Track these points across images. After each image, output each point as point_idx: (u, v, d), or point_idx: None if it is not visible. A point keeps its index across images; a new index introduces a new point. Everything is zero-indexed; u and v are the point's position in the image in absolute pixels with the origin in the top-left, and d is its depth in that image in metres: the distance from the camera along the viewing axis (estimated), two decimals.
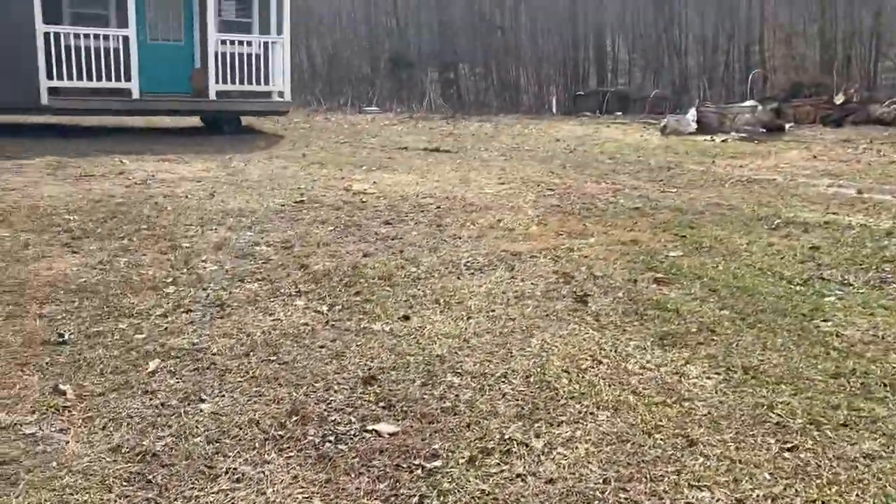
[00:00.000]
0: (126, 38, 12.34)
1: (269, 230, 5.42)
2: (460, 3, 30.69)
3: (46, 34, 11.66)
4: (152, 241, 5.09)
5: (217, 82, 12.95)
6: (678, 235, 5.29)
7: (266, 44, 13.86)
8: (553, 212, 6.14)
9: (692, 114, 14.88)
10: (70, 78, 11.92)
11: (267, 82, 13.70)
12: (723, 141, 12.60)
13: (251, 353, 3.16)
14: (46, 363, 3.06)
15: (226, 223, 5.61)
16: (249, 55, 13.38)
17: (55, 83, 11.85)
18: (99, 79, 12.12)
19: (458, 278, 4.24)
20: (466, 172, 8.50)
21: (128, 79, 12.32)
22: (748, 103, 16.12)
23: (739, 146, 11.95)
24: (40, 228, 5.38)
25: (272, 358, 3.11)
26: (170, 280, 4.20)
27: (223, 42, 13.08)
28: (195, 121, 14.61)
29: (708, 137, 13.02)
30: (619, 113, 20.85)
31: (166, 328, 3.45)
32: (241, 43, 13.30)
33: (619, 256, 4.69)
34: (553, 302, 3.80)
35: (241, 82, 13.16)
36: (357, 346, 3.24)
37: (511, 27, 30.07)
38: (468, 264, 4.51)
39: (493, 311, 3.67)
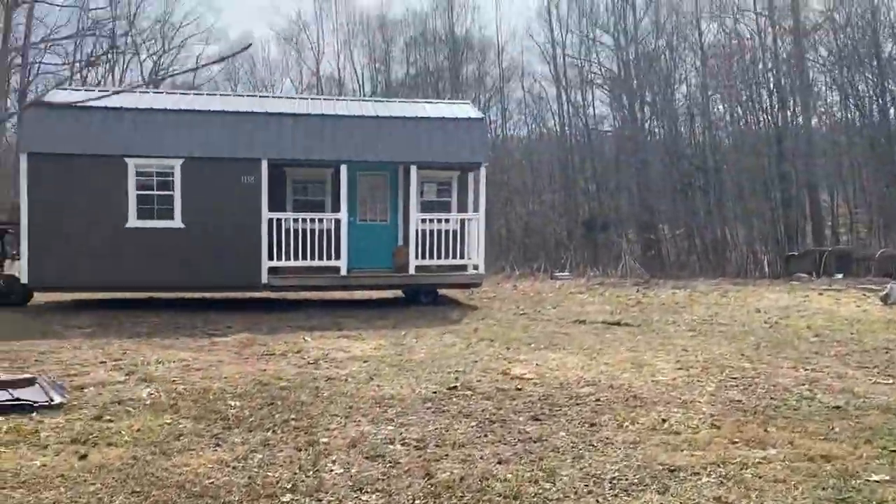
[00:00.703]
0: (338, 221, 13.41)
1: (410, 423, 5.17)
2: (659, 165, 30.58)
3: (270, 220, 12.97)
4: (294, 434, 5.01)
5: (417, 258, 13.64)
6: (886, 450, 4.32)
7: (463, 221, 14.52)
8: (731, 410, 5.34)
9: None
10: (287, 258, 13.11)
11: (462, 256, 14.27)
12: None
13: None
14: None
15: (371, 414, 5.45)
16: (447, 231, 13.98)
17: (274, 263, 13.06)
18: (312, 258, 13.20)
19: (597, 501, 3.66)
20: (642, 353, 7.86)
21: (337, 257, 13.30)
22: None
23: None
24: (200, 415, 5.53)
25: None
26: (290, 486, 4.02)
27: (423, 220, 13.83)
28: (396, 290, 15.13)
29: None
30: (840, 275, 18.88)
31: None
32: (440, 220, 14.01)
33: (802, 479, 3.86)
34: None
35: (439, 257, 13.79)
36: None
37: (713, 186, 29.26)
38: (613, 481, 3.92)
39: None
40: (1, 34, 41.44)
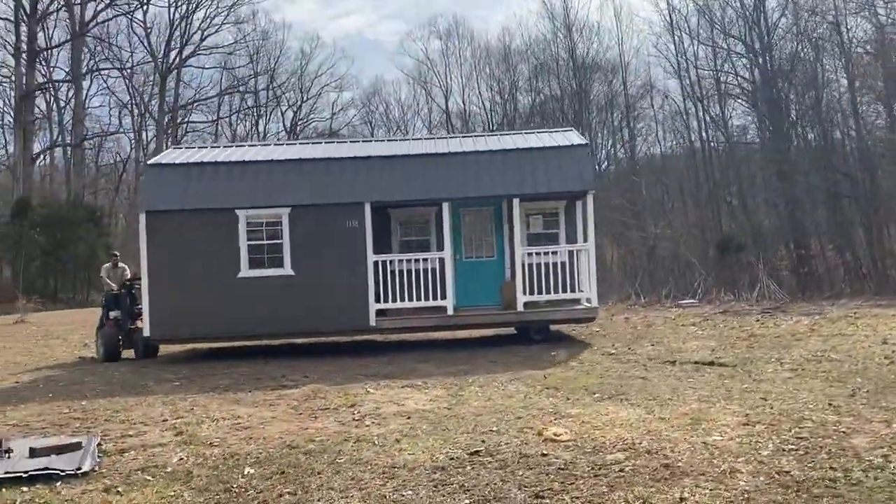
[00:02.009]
0: (442, 260, 13.31)
1: (402, 500, 4.77)
2: (807, 176, 28.16)
3: (375, 262, 13.03)
4: None
5: (524, 293, 13.23)
6: None
7: (572, 252, 13.98)
8: (773, 485, 4.52)
9: None
10: (394, 300, 13.11)
11: (573, 290, 13.72)
12: None
13: None
14: None
15: (369, 487, 5.09)
16: (556, 264, 13.47)
17: (381, 305, 13.08)
18: (419, 299, 13.14)
19: None
20: (714, 403, 6.98)
21: (443, 297, 13.18)
22: None
23: None
24: (206, 486, 5.40)
25: None
26: None
27: (529, 254, 13.50)
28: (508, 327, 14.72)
29: None
30: None
31: None
32: (547, 253, 13.57)
33: None
34: None
35: (548, 292, 13.33)
36: None
37: (867, 197, 26.52)
38: None
39: None
40: (157, 99, 45.45)
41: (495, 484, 4.93)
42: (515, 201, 13.48)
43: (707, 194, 31.57)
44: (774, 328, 12.96)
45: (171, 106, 45.54)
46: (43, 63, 41.08)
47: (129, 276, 14.54)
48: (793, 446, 5.28)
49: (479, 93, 48.88)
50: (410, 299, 13.13)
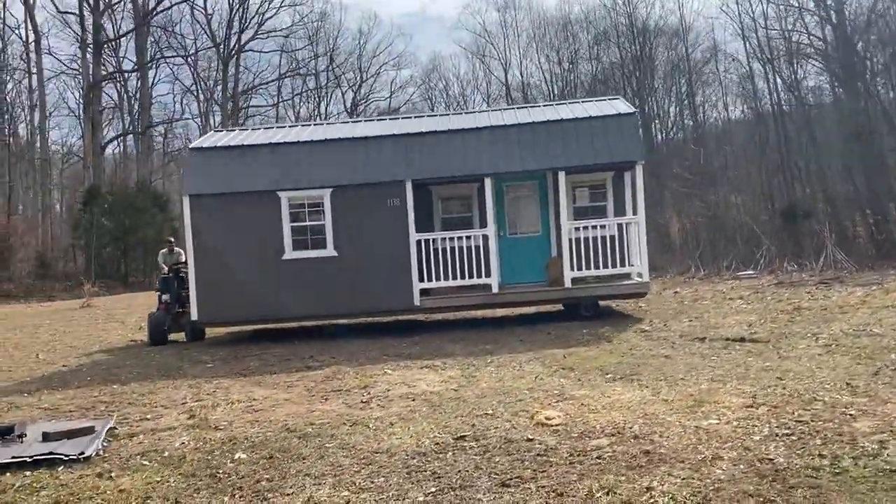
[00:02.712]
0: (486, 237, 13.09)
1: (368, 488, 4.70)
2: (881, 141, 26.58)
3: (418, 241, 12.86)
4: (249, 499, 4.77)
5: (572, 269, 12.94)
6: None
7: (621, 225, 13.61)
8: (752, 474, 4.25)
9: None
10: (438, 279, 12.96)
11: (623, 264, 13.37)
12: None
13: None
14: None
15: (345, 475, 5.03)
16: (604, 238, 13.13)
17: (425, 284, 12.94)
18: (462, 277, 12.94)
19: None
20: (726, 383, 6.66)
21: (487, 274, 12.97)
22: None
23: None
24: (194, 472, 5.46)
25: None
26: None
27: (576, 228, 13.14)
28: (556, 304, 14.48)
29: None
30: None
31: None
32: (594, 227, 13.22)
33: None
34: None
35: (597, 267, 13.00)
36: None
37: None
38: None
39: None
40: (221, 85, 46.44)
41: (468, 471, 4.81)
42: (561, 174, 13.07)
43: (776, 160, 30.24)
44: (824, 300, 12.31)
45: (233, 91, 46.49)
46: (111, 53, 42.47)
47: (182, 261, 14.73)
48: (788, 431, 4.97)
49: (539, 63, 48.10)
50: (454, 278, 12.95)
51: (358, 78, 54.41)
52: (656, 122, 39.49)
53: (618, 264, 13.32)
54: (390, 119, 16.98)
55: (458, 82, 63.34)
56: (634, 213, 13.70)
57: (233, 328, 14.73)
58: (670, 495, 4.01)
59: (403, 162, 13.23)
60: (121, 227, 31.65)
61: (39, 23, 39.47)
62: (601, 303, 13.79)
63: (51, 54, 47.28)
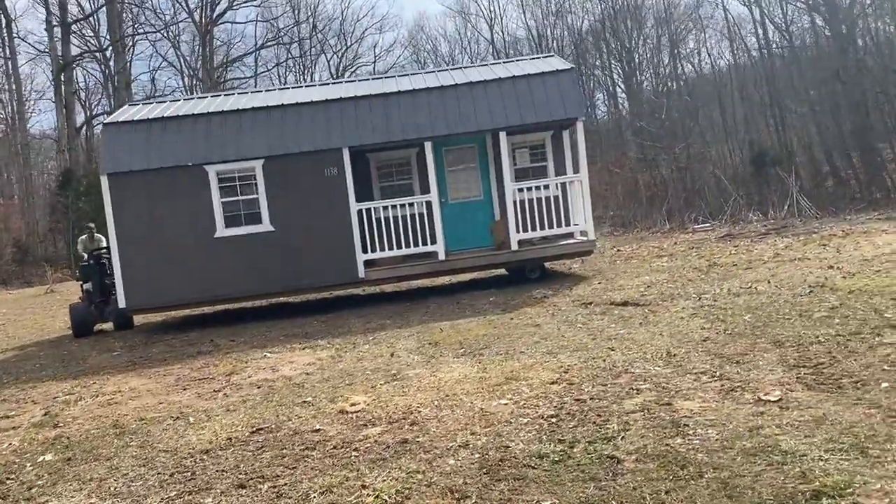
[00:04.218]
0: (429, 203, 12.74)
1: (120, 494, 4.61)
2: (872, 78, 25.76)
3: (359, 211, 12.48)
4: None
5: (518, 232, 12.69)
6: None
7: (564, 184, 13.35)
8: (476, 467, 4.08)
9: None
10: (382, 249, 12.59)
11: (567, 224, 13.14)
12: None
13: None
14: None
15: (113, 478, 4.93)
16: (548, 198, 12.92)
17: (369, 255, 12.57)
18: (408, 246, 12.62)
19: None
20: (556, 356, 6.48)
21: (433, 242, 12.67)
22: None
23: None
24: None
25: None
26: None
27: (519, 190, 12.85)
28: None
29: None
30: None
31: None
32: (538, 188, 12.95)
33: None
34: None
35: (542, 228, 12.76)
36: None
37: None
38: None
39: None
40: (201, 59, 46.00)
41: (226, 471, 4.70)
42: (502, 135, 12.79)
43: (754, 107, 29.60)
44: (745, 254, 12.02)
45: (215, 64, 46.03)
46: (91, 33, 42.11)
47: (103, 246, 14.05)
48: (554, 412, 4.78)
49: (525, 20, 47.13)
50: (399, 247, 12.64)
51: (342, 43, 53.69)
52: (647, 72, 38.71)
53: (563, 224, 13.14)
54: (320, 84, 16.24)
55: (446, 42, 62.38)
56: (576, 171, 13.44)
57: (171, 313, 14.50)
58: (377, 493, 3.87)
59: (339, 128, 12.71)
60: (98, 209, 31.58)
61: (9, 5, 39.05)
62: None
63: (20, 38, 46.84)
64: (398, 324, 9.86)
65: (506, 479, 3.78)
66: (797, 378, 4.80)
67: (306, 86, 16.35)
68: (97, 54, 42.32)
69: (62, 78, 35.69)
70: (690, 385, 5.01)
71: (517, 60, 16.00)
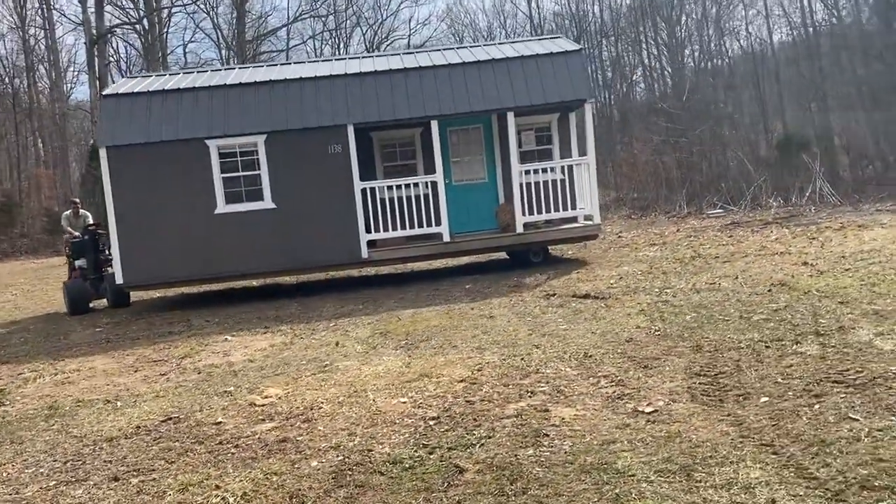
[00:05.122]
0: (434, 184, 12.56)
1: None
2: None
3: (363, 190, 12.33)
4: None
5: (524, 214, 12.57)
6: None
7: (570, 168, 13.19)
8: (329, 473, 4.08)
9: None
10: (385, 230, 12.46)
11: (574, 207, 13.00)
12: None
13: None
14: None
15: (13, 463, 5.06)
16: (554, 181, 12.80)
17: (372, 236, 12.43)
18: (412, 227, 12.46)
19: None
20: (483, 351, 6.41)
21: (438, 223, 12.49)
22: None
23: None
24: None
25: None
26: None
27: (526, 172, 12.69)
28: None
29: None
30: None
31: None
32: (544, 171, 12.83)
33: None
34: None
35: (547, 211, 12.64)
36: None
37: None
38: None
39: None
40: (236, 31, 46.35)
41: (109, 462, 4.75)
42: (510, 115, 12.55)
43: (791, 88, 28.65)
44: (731, 247, 11.71)
45: (251, 36, 46.34)
46: (120, 5, 42.68)
47: (91, 223, 14.06)
48: (438, 414, 4.72)
49: None
50: (403, 228, 12.46)
51: (378, 16, 53.48)
52: (692, 49, 37.66)
53: (568, 208, 12.98)
54: (323, 60, 15.89)
55: (484, 15, 61.62)
56: (583, 153, 13.18)
57: (168, 291, 14.46)
58: (224, 496, 3.89)
59: (344, 105, 12.50)
60: None
61: None
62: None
63: (57, 10, 47.68)
64: (367, 310, 9.88)
65: (347, 486, 3.77)
66: (689, 388, 4.67)
67: (309, 61, 16.04)
68: (136, 26, 42.90)
69: (95, 50, 36.25)
70: (585, 390, 4.91)
71: (525, 41, 15.76)
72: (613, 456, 3.66)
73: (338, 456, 4.24)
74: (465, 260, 14.67)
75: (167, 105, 12.58)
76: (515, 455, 3.85)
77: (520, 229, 12.48)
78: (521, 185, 12.48)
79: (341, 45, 52.24)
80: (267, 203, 12.37)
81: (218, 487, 4.01)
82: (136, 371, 7.77)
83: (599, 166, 30.06)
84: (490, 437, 4.18)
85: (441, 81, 12.87)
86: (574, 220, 13.22)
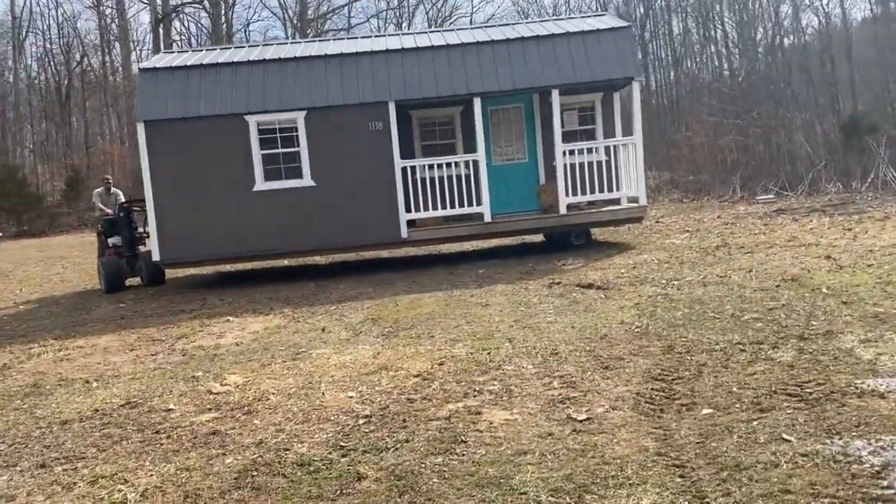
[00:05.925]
0: (475, 163, 12.35)
1: None
2: None
3: (403, 169, 12.10)
4: None
5: (567, 195, 12.28)
6: None
7: (615, 148, 12.75)
8: (236, 476, 3.95)
9: None
10: (426, 209, 12.25)
11: (618, 189, 12.57)
12: None
13: None
14: None
15: None
16: (599, 162, 12.43)
17: (412, 215, 12.25)
18: (452, 206, 12.26)
19: None
20: (454, 344, 6.18)
21: (479, 203, 12.26)
22: None
23: None
24: None
25: None
26: None
27: (570, 153, 12.34)
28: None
29: None
30: None
31: None
32: (589, 151, 12.48)
33: None
34: None
35: (592, 192, 12.31)
36: None
37: None
38: None
39: None
40: (300, 8, 46.68)
41: (48, 447, 4.74)
42: (555, 93, 12.19)
43: (861, 68, 27.10)
44: (761, 236, 11.10)
45: (314, 14, 46.65)
46: None
47: (123, 200, 14.10)
48: (374, 412, 4.54)
49: None
50: (444, 207, 12.21)
51: None
52: (764, 25, 36.02)
53: (612, 189, 12.53)
54: (362, 37, 15.39)
55: None
56: (628, 133, 12.75)
57: (204, 269, 14.29)
58: (125, 492, 3.81)
59: (385, 81, 12.22)
60: None
61: None
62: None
63: None
64: (373, 294, 9.75)
65: (244, 488, 3.63)
66: (637, 394, 4.35)
67: (349, 38, 15.72)
68: (203, 3, 43.70)
69: (160, 29, 37.15)
70: (533, 391, 4.65)
71: (569, 18, 15.28)
72: (516, 469, 3.41)
73: (254, 454, 4.11)
74: (494, 242, 14.37)
75: (206, 80, 12.35)
76: (423, 463, 3.64)
77: (563, 210, 12.16)
78: (565, 165, 12.13)
79: (404, 23, 52.05)
80: (306, 181, 12.12)
81: (126, 482, 3.94)
82: (131, 350, 7.84)
83: (656, 146, 29.18)
84: (408, 442, 3.97)
85: (484, 58, 12.51)
86: (617, 202, 12.71)
